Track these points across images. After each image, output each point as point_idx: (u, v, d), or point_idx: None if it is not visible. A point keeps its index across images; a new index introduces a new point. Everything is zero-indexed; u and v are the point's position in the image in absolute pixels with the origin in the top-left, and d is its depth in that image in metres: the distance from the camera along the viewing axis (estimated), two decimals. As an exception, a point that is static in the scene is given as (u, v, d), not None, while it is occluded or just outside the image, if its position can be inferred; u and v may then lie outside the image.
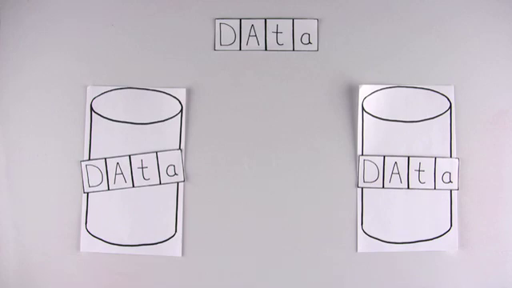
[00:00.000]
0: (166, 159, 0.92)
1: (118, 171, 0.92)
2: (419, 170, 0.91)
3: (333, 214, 0.91)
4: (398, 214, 0.91)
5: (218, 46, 0.94)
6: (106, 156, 0.92)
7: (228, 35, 0.94)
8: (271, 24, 0.94)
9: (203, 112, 0.93)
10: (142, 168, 0.92)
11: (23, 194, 0.92)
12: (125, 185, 0.92)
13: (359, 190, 0.92)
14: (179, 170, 0.92)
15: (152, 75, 0.93)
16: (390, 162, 0.92)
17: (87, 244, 0.91)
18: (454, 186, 0.91)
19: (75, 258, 0.91)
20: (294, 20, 0.94)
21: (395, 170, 0.92)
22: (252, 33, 0.94)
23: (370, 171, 0.92)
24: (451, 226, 0.91)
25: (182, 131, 0.93)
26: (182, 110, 0.93)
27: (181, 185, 0.92)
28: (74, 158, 0.92)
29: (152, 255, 0.91)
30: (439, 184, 0.91)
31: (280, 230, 0.91)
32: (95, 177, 0.92)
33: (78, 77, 0.93)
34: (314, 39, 0.94)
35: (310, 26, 0.94)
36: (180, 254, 0.91)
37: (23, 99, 0.93)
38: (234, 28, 0.94)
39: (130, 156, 0.92)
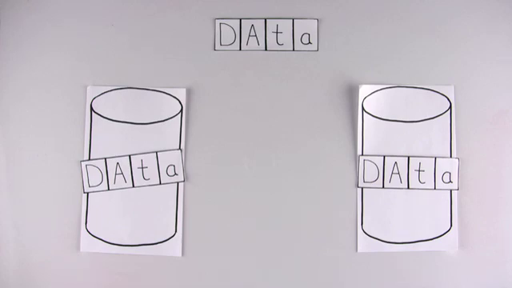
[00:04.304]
0: (166, 159, 0.92)
1: (118, 171, 0.92)
2: (419, 170, 0.91)
3: (333, 214, 0.91)
4: (398, 214, 0.91)
5: (218, 46, 0.94)
6: (106, 156, 0.92)
7: (228, 35, 0.94)
8: (271, 24, 0.94)
9: (203, 112, 0.93)
10: (142, 168, 0.92)
11: (23, 193, 0.92)
12: (125, 185, 0.92)
13: (359, 189, 0.92)
14: (179, 170, 0.92)
15: (152, 75, 0.93)
16: (389, 161, 0.92)
17: (87, 244, 0.91)
18: (454, 186, 0.91)
19: (75, 258, 0.91)
20: (294, 20, 0.94)
21: (395, 170, 0.92)
22: (252, 33, 0.94)
23: (370, 171, 0.92)
24: (451, 225, 0.91)
25: (182, 131, 0.93)
26: (181, 110, 0.93)
27: (181, 185, 0.92)
28: (74, 158, 0.92)
29: (152, 255, 0.91)
30: (439, 184, 0.92)
31: (280, 229, 0.91)
32: (95, 177, 0.92)
33: (78, 77, 0.93)
34: (313, 39, 0.94)
35: (310, 26, 0.94)
36: (180, 254, 0.91)
37: (23, 99, 0.93)
38: (234, 28, 0.94)
39: (130, 156, 0.92)
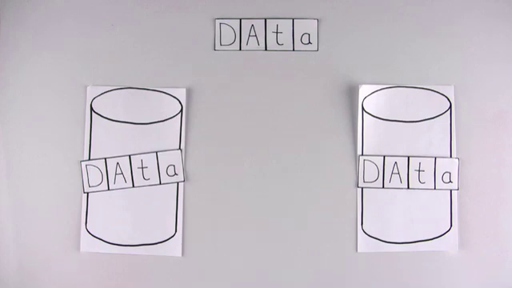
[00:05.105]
0: (166, 159, 0.92)
1: (118, 171, 0.92)
2: (419, 170, 0.91)
3: (333, 213, 0.91)
4: (398, 214, 0.91)
5: (218, 46, 0.94)
6: (106, 156, 0.92)
7: (228, 35, 0.94)
8: (271, 24, 0.94)
9: (203, 112, 0.93)
10: (142, 168, 0.92)
11: (23, 194, 0.92)
12: (125, 185, 0.92)
13: (359, 189, 0.92)
14: (179, 170, 0.92)
15: (152, 75, 0.93)
16: (389, 162, 0.92)
17: (87, 244, 0.91)
18: (454, 186, 0.91)
19: (75, 258, 0.91)
20: (294, 20, 0.94)
21: (395, 170, 0.92)
22: (252, 33, 0.94)
23: (370, 171, 0.92)
24: (451, 225, 0.91)
25: (182, 131, 0.93)
26: (181, 110, 0.93)
27: (181, 185, 0.92)
28: (74, 158, 0.92)
29: (152, 255, 0.91)
30: (439, 184, 0.91)
31: (280, 230, 0.91)
32: (95, 177, 0.92)
33: (78, 77, 0.93)
34: (313, 39, 0.94)
35: (310, 26, 0.94)
36: (180, 254, 0.91)
37: (23, 99, 0.93)
38: (234, 28, 0.94)
39: (130, 156, 0.92)
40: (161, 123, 0.93)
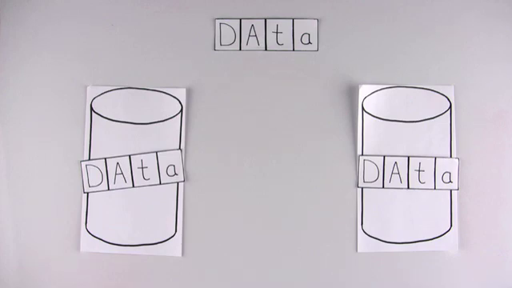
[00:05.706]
0: (166, 159, 0.92)
1: (118, 171, 0.92)
2: (419, 170, 0.91)
3: (333, 213, 0.91)
4: (398, 213, 0.91)
5: (218, 46, 0.94)
6: (106, 156, 0.92)
7: (228, 35, 0.94)
8: (271, 24, 0.94)
9: (203, 112, 0.93)
10: (142, 168, 0.92)
11: (23, 193, 0.92)
12: (125, 185, 0.92)
13: (359, 189, 0.92)
14: (179, 170, 0.92)
15: (152, 75, 0.93)
16: (390, 162, 0.92)
17: (87, 244, 0.91)
18: (454, 185, 0.91)
19: (75, 258, 0.91)
20: (294, 20, 0.94)
21: (395, 170, 0.92)
22: (252, 33, 0.94)
23: (370, 171, 0.92)
24: (451, 226, 0.91)
25: (182, 131, 0.93)
26: (181, 110, 0.93)
27: (181, 185, 0.92)
28: (74, 158, 0.92)
29: (152, 255, 0.91)
30: (439, 184, 0.92)
31: (280, 229, 0.91)
32: (95, 177, 0.92)
33: (78, 77, 0.93)
34: (313, 39, 0.94)
35: (310, 26, 0.94)
36: (180, 254, 0.91)
37: (23, 99, 0.93)
38: (234, 28, 0.94)
39: (130, 156, 0.92)
40: (161, 123, 0.93)
